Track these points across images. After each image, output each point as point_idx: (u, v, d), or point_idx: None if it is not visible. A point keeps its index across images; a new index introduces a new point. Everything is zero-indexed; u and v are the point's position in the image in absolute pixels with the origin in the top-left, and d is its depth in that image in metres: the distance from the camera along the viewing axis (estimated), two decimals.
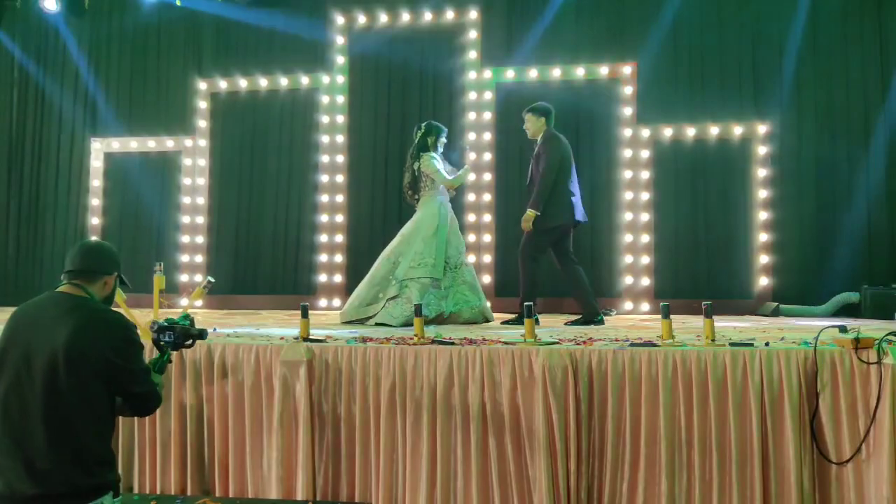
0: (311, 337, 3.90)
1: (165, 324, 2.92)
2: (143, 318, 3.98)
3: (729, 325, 5.68)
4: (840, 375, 3.37)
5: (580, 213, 6.06)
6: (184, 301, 8.07)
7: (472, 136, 8.30)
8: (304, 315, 3.96)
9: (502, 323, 5.83)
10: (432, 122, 6.32)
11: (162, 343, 2.91)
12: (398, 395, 3.65)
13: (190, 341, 2.99)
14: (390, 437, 3.65)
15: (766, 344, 3.59)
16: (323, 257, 8.63)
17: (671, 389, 3.46)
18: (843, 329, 3.46)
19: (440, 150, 6.17)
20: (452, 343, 3.74)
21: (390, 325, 5.38)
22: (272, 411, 3.72)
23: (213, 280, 4.04)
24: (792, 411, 3.37)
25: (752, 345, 3.53)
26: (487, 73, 8.46)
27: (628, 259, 8.10)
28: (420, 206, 6.03)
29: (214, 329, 4.86)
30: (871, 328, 5.38)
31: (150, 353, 3.14)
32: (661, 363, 3.47)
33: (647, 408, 3.47)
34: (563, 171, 5.95)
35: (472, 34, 8.52)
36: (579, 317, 5.99)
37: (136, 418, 3.87)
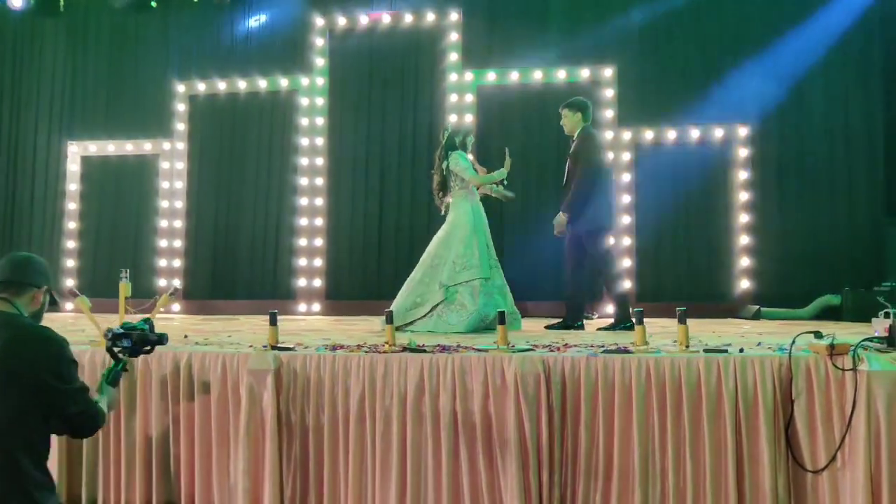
0: (279, 345, 3.82)
1: (121, 330, 2.81)
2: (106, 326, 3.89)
3: (708, 329, 5.64)
4: (815, 382, 3.32)
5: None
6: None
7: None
8: (273, 322, 3.88)
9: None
10: (460, 123, 6.18)
11: (117, 351, 2.81)
12: (368, 404, 3.57)
13: (149, 347, 2.89)
14: (359, 447, 3.57)
15: (741, 350, 3.54)
16: (302, 261, 8.55)
17: (644, 397, 3.40)
18: (818, 335, 3.41)
19: (469, 149, 6.04)
20: (424, 350, 3.67)
21: (458, 332, 5.22)
22: (239, 421, 3.63)
23: (179, 287, 3.95)
24: (767, 419, 3.31)
25: (726, 351, 3.47)
26: (468, 76, 8.41)
27: None
28: (452, 208, 5.77)
29: (186, 336, 4.79)
30: (852, 332, 5.35)
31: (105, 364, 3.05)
32: (634, 370, 3.41)
33: (621, 416, 3.41)
34: (599, 172, 5.75)
35: (454, 36, 8.48)
36: (560, 321, 5.91)
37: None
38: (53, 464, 3.69)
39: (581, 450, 3.44)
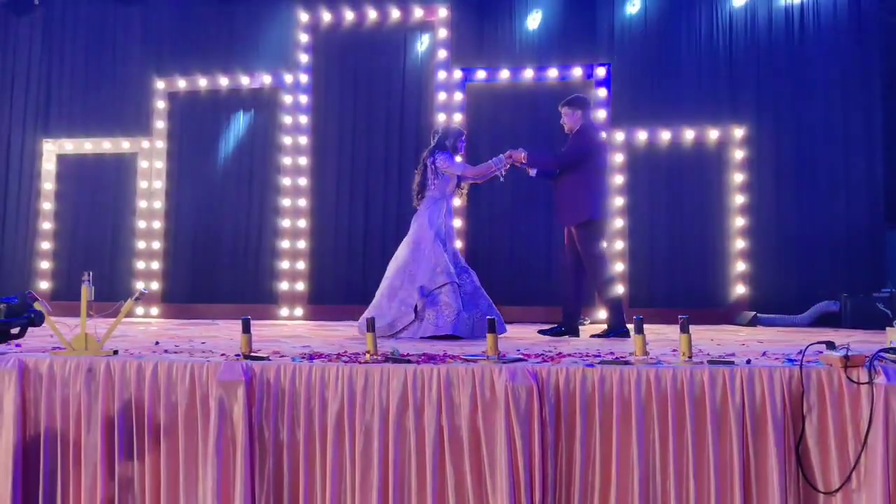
0: (252, 354, 3.56)
1: None
2: (67, 331, 3.62)
3: (706, 337, 5.42)
4: (828, 396, 3.08)
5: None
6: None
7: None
8: (246, 329, 3.62)
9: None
10: (451, 125, 5.98)
11: None
12: (347, 418, 3.32)
13: (18, 330, 2.55)
14: (338, 464, 3.31)
15: (748, 361, 3.30)
16: (285, 264, 8.28)
17: (644, 411, 3.16)
18: (830, 345, 3.18)
19: (459, 152, 5.85)
20: (408, 361, 3.42)
21: (458, 337, 5.17)
22: (208, 437, 3.37)
23: (145, 290, 3.68)
24: (776, 435, 3.08)
25: (732, 362, 3.24)
26: (457, 74, 8.17)
27: None
28: (417, 215, 5.68)
29: (157, 343, 4.53)
30: (853, 340, 5.14)
31: None
32: (633, 383, 3.17)
33: (619, 432, 3.16)
34: (590, 162, 5.51)
35: (442, 33, 8.25)
36: (555, 326, 5.67)
37: (59, 443, 3.51)
38: (7, 485, 3.44)
39: (576, 468, 3.19)
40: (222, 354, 3.75)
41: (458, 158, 5.78)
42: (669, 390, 3.16)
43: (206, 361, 3.50)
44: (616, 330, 5.46)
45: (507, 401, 3.18)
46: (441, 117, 8.07)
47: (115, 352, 3.66)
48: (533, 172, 5.65)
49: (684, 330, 3.31)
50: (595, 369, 3.22)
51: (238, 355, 3.60)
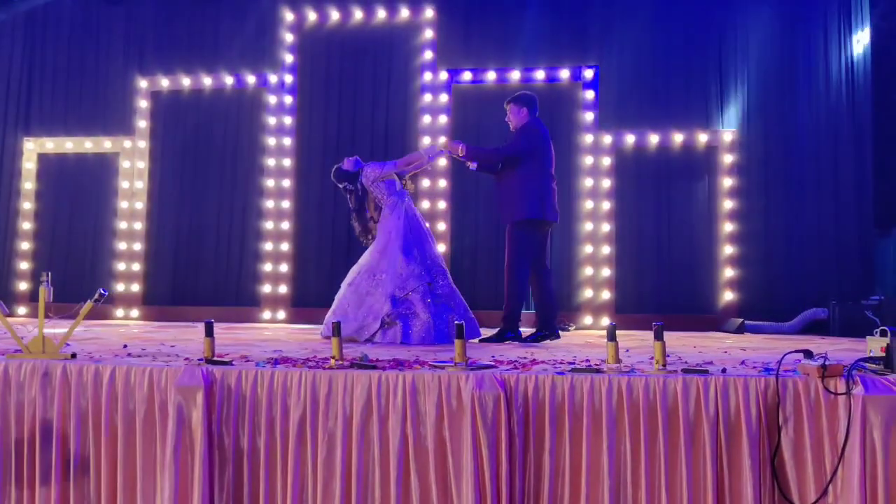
0: (214, 358, 3.44)
1: None
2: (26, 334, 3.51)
3: (689, 344, 5.31)
4: (805, 407, 2.98)
5: (555, 211, 5.50)
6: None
7: (426, 139, 7.89)
8: (209, 333, 3.50)
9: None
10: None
11: None
12: (309, 425, 3.21)
13: None
14: (300, 473, 3.20)
15: (723, 370, 3.20)
16: (267, 266, 8.17)
17: (616, 422, 3.05)
18: (808, 354, 3.08)
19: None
20: (374, 367, 3.31)
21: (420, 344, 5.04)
22: (165, 443, 3.25)
23: (105, 292, 3.57)
24: (751, 447, 2.97)
25: (706, 371, 3.13)
26: (443, 75, 8.07)
27: (588, 271, 7.75)
28: (383, 219, 5.61)
29: (125, 346, 4.42)
30: (840, 348, 5.05)
31: None
32: (604, 392, 3.06)
33: (590, 442, 3.05)
34: (534, 159, 5.34)
35: (428, 34, 8.15)
36: (535, 332, 5.52)
37: (13, 449, 3.39)
38: None
39: (545, 480, 3.09)
40: (186, 359, 3.64)
41: None
42: (642, 400, 3.06)
43: (165, 366, 3.38)
44: (505, 334, 5.30)
45: (473, 409, 3.07)
46: (426, 119, 7.97)
47: (74, 355, 3.54)
48: (473, 166, 5.48)
49: (658, 337, 3.20)
50: (565, 377, 3.11)
51: (201, 360, 3.49)
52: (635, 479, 3.03)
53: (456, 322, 3.35)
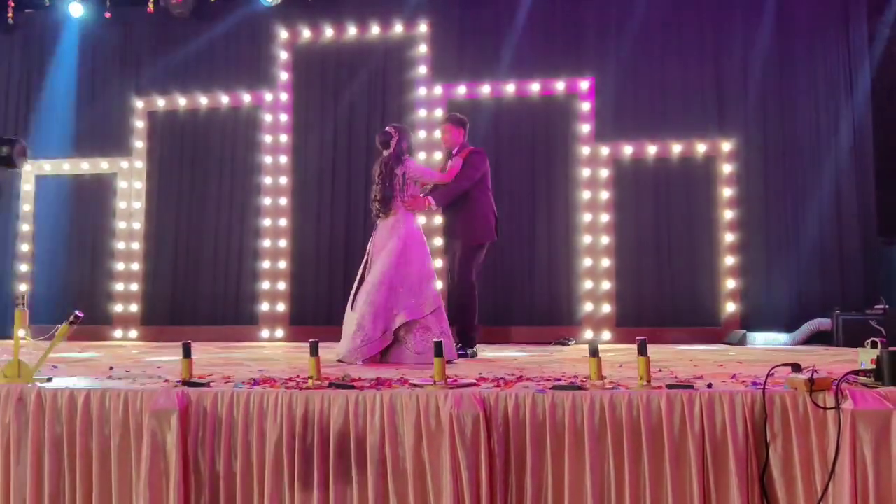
0: (191, 380, 3.38)
1: None
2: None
3: (685, 357, 5.21)
4: (793, 422, 2.88)
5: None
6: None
7: (422, 154, 7.84)
8: (187, 354, 3.45)
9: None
10: (401, 125, 5.65)
11: None
12: (286, 448, 3.13)
13: None
14: (276, 498, 3.12)
15: (709, 385, 3.11)
16: (265, 284, 8.12)
17: (599, 440, 2.96)
18: (796, 367, 2.99)
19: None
20: (352, 386, 3.23)
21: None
22: (140, 468, 3.19)
23: (80, 315, 3.52)
24: (738, 465, 2.87)
25: (692, 386, 3.04)
26: (438, 89, 8.03)
27: (588, 285, 7.64)
28: (397, 223, 5.15)
29: (111, 368, 4.37)
30: (843, 359, 4.93)
31: None
32: (587, 409, 2.97)
33: (572, 462, 2.96)
34: (483, 183, 5.68)
35: (423, 49, 8.12)
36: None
37: None
38: None
39: (527, 500, 3.00)
40: (165, 381, 3.58)
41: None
42: (625, 417, 2.97)
43: (141, 389, 3.32)
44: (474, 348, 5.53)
45: (451, 429, 2.99)
46: (422, 134, 7.92)
47: (49, 379, 3.49)
48: (436, 207, 5.57)
49: (642, 352, 3.12)
50: (546, 395, 3.03)
51: (178, 382, 3.43)
52: (619, 499, 2.94)
53: (434, 340, 3.27)
